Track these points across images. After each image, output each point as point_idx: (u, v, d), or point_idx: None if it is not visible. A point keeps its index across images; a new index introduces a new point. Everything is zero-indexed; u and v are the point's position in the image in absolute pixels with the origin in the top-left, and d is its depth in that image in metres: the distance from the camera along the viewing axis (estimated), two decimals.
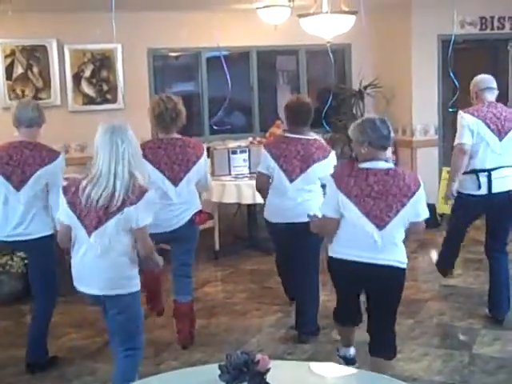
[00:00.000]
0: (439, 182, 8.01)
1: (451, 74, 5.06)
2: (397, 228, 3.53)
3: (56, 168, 4.26)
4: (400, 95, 8.12)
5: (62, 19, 7.24)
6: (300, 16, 5.41)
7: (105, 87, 7.62)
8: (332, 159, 4.73)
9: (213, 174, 6.83)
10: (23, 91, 7.35)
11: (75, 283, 3.57)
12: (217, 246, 6.88)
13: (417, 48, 7.99)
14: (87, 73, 7.56)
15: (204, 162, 4.59)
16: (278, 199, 4.69)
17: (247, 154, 6.93)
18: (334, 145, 8.39)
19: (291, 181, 4.59)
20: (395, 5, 7.81)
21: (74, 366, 4.47)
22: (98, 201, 3.32)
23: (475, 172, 4.78)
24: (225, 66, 3.97)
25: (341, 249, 3.66)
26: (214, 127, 7.77)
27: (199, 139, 8.02)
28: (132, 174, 3.37)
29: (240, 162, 6.92)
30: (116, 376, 3.58)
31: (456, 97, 5.15)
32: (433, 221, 7.66)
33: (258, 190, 4.97)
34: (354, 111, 8.36)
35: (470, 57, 10.30)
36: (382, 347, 3.73)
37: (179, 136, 4.56)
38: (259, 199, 6.64)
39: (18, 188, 4.20)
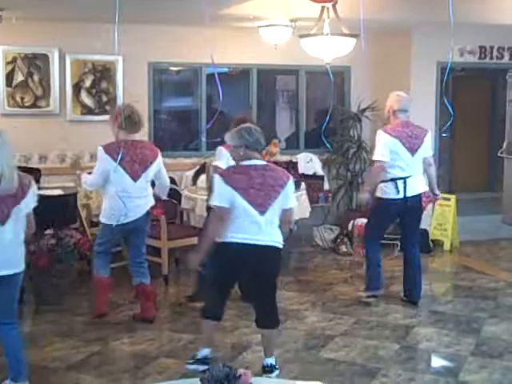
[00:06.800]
0: (433, 208, 8.04)
1: (446, 101, 5.13)
2: (274, 213, 4.16)
3: None
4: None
5: (64, 29, 7.30)
6: (301, 36, 5.45)
7: (104, 98, 7.65)
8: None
9: (209, 189, 6.83)
10: (22, 98, 7.38)
11: None
12: None
13: (416, 74, 8.04)
14: (87, 83, 7.60)
15: (159, 161, 5.28)
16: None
17: None
18: (330, 166, 8.45)
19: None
20: (396, 30, 7.88)
21: (57, 376, 4.42)
22: None
23: (393, 180, 5.64)
24: (218, 81, 4.02)
25: (232, 234, 4.12)
26: (203, 139, 7.83)
27: (196, 154, 8.11)
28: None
29: None
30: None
31: (449, 123, 5.20)
32: (425, 246, 7.70)
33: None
34: (352, 133, 8.40)
35: (469, 85, 10.41)
36: (267, 319, 4.34)
37: (139, 139, 5.28)
38: None
39: None
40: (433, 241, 7.88)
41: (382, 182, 5.70)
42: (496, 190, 9.97)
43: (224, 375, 2.13)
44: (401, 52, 8.18)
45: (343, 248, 7.69)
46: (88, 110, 7.61)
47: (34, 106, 7.43)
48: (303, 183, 7.43)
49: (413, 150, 5.63)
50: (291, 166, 7.43)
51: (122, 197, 5.03)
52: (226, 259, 4.18)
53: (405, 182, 5.62)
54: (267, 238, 4.14)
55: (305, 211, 7.23)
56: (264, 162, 4.24)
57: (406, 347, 4.94)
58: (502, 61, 8.44)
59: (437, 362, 4.79)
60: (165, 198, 5.59)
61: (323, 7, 5.38)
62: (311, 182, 7.90)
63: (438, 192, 6.04)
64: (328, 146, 6.75)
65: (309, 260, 7.50)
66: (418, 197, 5.74)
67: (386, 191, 5.68)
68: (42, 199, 5.82)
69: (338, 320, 5.49)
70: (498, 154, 9.12)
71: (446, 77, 5.12)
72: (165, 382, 3.92)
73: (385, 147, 5.58)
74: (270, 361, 4.35)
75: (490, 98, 11.08)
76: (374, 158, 5.69)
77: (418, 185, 5.73)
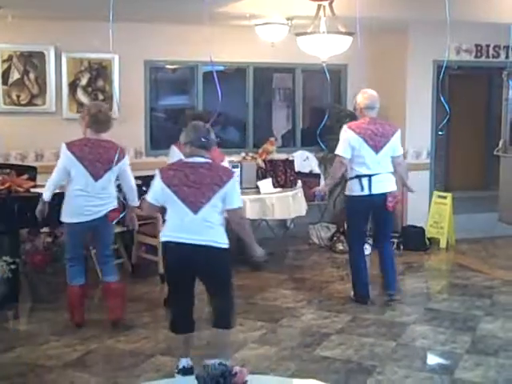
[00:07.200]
0: (429, 206, 8.06)
1: (442, 99, 5.14)
2: (210, 212, 4.04)
3: None
4: (394, 118, 8.12)
5: (60, 27, 7.28)
6: (297, 34, 5.46)
7: (100, 96, 7.64)
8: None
9: None
10: (18, 97, 7.37)
11: None
12: None
13: (412, 72, 8.05)
14: (83, 81, 7.59)
15: (125, 162, 5.19)
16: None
17: (239, 169, 6.92)
18: (326, 164, 8.45)
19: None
20: (393, 28, 7.88)
21: (53, 374, 4.42)
22: None
23: (358, 177, 5.66)
24: (216, 80, 4.00)
25: (166, 232, 4.13)
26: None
27: None
28: None
29: None
30: None
31: (446, 121, 5.21)
32: (422, 244, 7.73)
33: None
34: None
35: (465, 83, 10.43)
36: (220, 319, 4.23)
37: (106, 138, 5.16)
38: (249, 214, 6.68)
39: None
40: (429, 239, 7.90)
41: (350, 179, 5.75)
42: (492, 189, 9.99)
43: (220, 373, 2.14)
44: (397, 50, 8.19)
45: (339, 246, 7.70)
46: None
47: (30, 104, 7.42)
48: (299, 181, 7.44)
49: (377, 148, 5.61)
50: (287, 164, 7.44)
51: (81, 195, 5.03)
52: (169, 259, 4.17)
53: (370, 180, 5.62)
54: (202, 237, 4.03)
55: (301, 209, 7.25)
56: (205, 160, 4.12)
57: (402, 345, 4.95)
58: (497, 59, 8.45)
59: (432, 359, 4.80)
60: (137, 204, 5.35)
61: (320, 5, 5.39)
62: (307, 180, 7.90)
63: (410, 187, 6.08)
64: (323, 147, 6.74)
65: (305, 258, 7.51)
66: (386, 195, 5.68)
67: (352, 188, 5.74)
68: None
69: (334, 318, 5.50)
70: (494, 153, 9.13)
71: (441, 75, 5.13)
72: (161, 379, 3.93)
73: (346, 143, 5.63)
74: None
75: (486, 97, 11.11)
76: (336, 152, 5.76)
77: (385, 183, 5.68)
